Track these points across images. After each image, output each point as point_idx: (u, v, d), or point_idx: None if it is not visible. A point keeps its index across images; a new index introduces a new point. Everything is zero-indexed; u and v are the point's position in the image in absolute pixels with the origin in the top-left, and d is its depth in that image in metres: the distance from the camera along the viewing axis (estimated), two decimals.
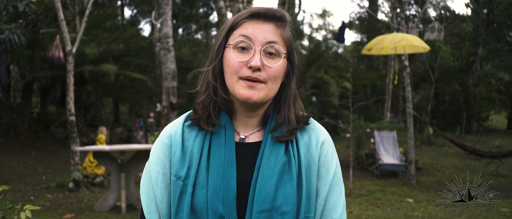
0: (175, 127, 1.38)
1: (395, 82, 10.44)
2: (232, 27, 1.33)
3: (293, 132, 1.33)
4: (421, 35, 12.15)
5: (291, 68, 1.37)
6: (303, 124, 1.37)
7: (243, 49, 1.28)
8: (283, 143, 1.31)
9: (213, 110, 1.33)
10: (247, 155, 1.32)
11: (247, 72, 1.26)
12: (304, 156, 1.31)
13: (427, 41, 12.64)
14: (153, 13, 12.74)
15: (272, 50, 1.28)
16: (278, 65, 1.29)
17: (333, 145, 1.41)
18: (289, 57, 1.35)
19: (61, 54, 10.31)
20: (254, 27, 1.30)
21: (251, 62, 1.25)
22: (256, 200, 1.24)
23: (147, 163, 1.41)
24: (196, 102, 1.37)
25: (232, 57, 1.29)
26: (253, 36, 1.28)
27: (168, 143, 1.35)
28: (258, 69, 1.26)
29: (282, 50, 1.30)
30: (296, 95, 1.40)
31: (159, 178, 1.33)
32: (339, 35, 17.23)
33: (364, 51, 10.68)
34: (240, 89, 1.26)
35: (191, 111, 1.40)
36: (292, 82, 1.38)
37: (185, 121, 1.38)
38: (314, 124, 1.41)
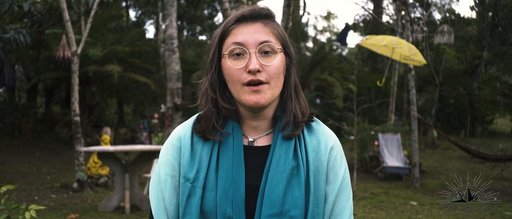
0: (184, 129, 1.38)
1: (378, 83, 10.43)
2: (223, 37, 1.33)
3: (299, 126, 1.33)
4: (425, 38, 12.13)
5: (289, 61, 1.37)
6: (307, 117, 1.36)
7: (239, 55, 1.28)
8: (292, 145, 1.31)
9: (217, 121, 1.33)
10: (255, 158, 1.32)
11: (248, 77, 1.26)
12: (313, 160, 1.31)
13: (436, 45, 12.61)
14: (161, 14, 12.73)
15: (267, 49, 1.28)
16: (276, 62, 1.29)
17: (342, 149, 1.40)
18: (285, 50, 1.35)
19: (69, 54, 10.32)
20: (243, 31, 1.30)
21: (249, 66, 1.25)
22: (265, 204, 1.24)
23: (156, 165, 1.41)
24: (200, 114, 1.37)
25: (229, 67, 1.29)
26: (245, 41, 1.28)
27: (177, 145, 1.35)
28: (258, 71, 1.26)
29: (276, 46, 1.30)
30: (297, 87, 1.39)
31: (168, 179, 1.33)
32: (341, 37, 17.20)
33: (363, 43, 10.66)
34: (246, 96, 1.27)
35: (198, 114, 1.39)
36: (292, 75, 1.37)
37: (194, 123, 1.38)
38: (323, 128, 1.40)
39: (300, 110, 1.36)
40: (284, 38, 1.35)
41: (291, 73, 1.37)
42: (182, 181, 1.30)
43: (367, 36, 10.01)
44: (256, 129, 1.36)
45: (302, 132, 1.36)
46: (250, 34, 1.29)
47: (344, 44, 18.08)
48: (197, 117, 1.38)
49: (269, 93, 1.27)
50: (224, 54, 1.31)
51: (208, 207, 1.26)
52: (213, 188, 1.27)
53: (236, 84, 1.28)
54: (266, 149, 1.33)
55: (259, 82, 1.26)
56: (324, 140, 1.36)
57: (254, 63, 1.25)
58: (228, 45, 1.30)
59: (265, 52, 1.28)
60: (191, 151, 1.32)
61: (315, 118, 1.42)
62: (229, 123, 1.34)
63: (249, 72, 1.26)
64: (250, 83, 1.26)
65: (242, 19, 1.32)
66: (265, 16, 1.34)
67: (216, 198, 1.26)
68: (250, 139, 1.35)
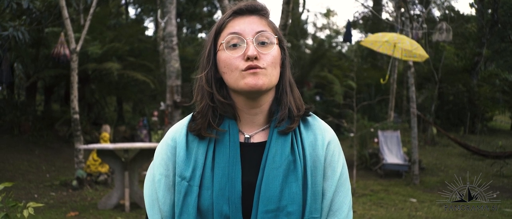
0: (179, 128, 1.37)
1: (382, 81, 10.42)
2: (219, 30, 1.34)
3: (294, 121, 1.33)
4: (425, 35, 12.11)
5: (284, 56, 1.38)
6: (302, 112, 1.36)
7: (235, 46, 1.29)
8: (288, 141, 1.30)
9: (213, 118, 1.32)
10: (252, 155, 1.31)
11: (246, 64, 1.26)
12: (309, 155, 1.30)
13: (435, 43, 12.57)
14: (159, 11, 12.70)
15: (264, 39, 1.29)
16: (273, 51, 1.30)
17: (340, 144, 1.40)
18: (281, 44, 1.36)
19: (67, 52, 10.30)
20: (239, 23, 1.31)
21: (247, 53, 1.25)
22: (262, 200, 1.24)
23: (151, 164, 1.41)
24: (195, 112, 1.37)
25: (227, 57, 1.29)
26: (242, 31, 1.29)
27: (172, 145, 1.34)
28: (255, 58, 1.26)
29: (273, 37, 1.32)
30: (292, 83, 1.40)
31: (162, 180, 1.33)
32: (346, 35, 17.17)
33: (364, 43, 10.68)
34: (245, 80, 1.26)
35: (193, 112, 1.39)
36: (287, 70, 1.38)
37: (190, 122, 1.37)
38: (320, 123, 1.40)
39: (295, 104, 1.36)
40: (279, 33, 1.36)
41: (286, 67, 1.38)
42: (178, 180, 1.29)
43: (369, 35, 10.05)
44: (253, 124, 1.36)
45: (299, 127, 1.35)
46: (247, 24, 1.30)
47: (350, 41, 18.11)
48: (192, 116, 1.38)
49: (266, 78, 1.27)
50: (221, 43, 1.31)
51: (204, 205, 1.26)
52: (209, 186, 1.26)
53: (234, 73, 1.28)
54: (262, 145, 1.32)
55: (257, 67, 1.26)
56: (321, 135, 1.35)
57: (252, 49, 1.26)
58: (224, 36, 1.31)
59: (262, 42, 1.29)
60: (187, 150, 1.32)
61: (311, 113, 1.41)
62: (225, 121, 1.33)
63: (247, 59, 1.26)
64: (248, 68, 1.26)
65: (239, 12, 1.33)
66: (261, 10, 1.35)
67: (212, 196, 1.25)
68: (247, 135, 1.34)
